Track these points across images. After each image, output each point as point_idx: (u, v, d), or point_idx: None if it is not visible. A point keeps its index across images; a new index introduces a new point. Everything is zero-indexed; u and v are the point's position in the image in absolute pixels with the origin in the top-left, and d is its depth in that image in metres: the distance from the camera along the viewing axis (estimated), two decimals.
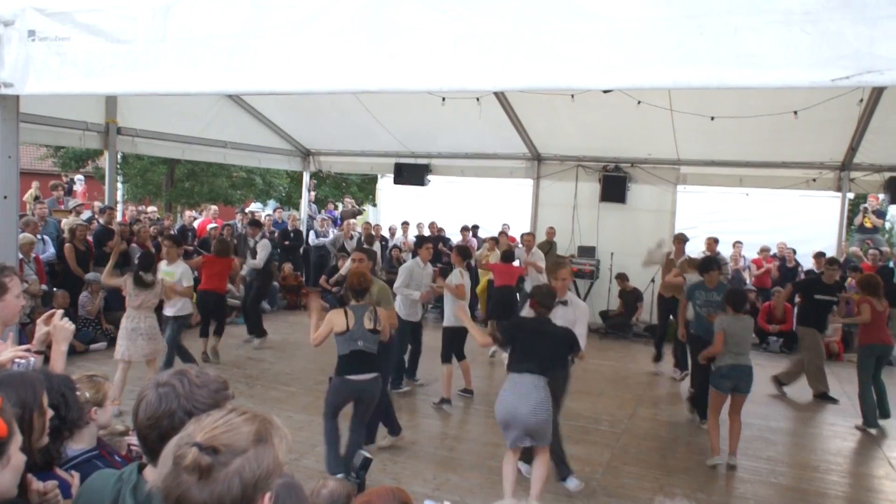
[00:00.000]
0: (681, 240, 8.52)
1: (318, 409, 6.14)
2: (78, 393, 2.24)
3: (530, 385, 4.15)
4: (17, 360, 2.32)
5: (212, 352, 8.10)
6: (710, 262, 6.57)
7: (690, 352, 7.05)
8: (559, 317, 4.72)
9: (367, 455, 2.28)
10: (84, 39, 3.31)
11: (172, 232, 10.72)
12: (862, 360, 6.81)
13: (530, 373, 4.18)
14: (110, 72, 3.27)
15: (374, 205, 16.59)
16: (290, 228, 12.82)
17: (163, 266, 6.88)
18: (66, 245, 8.57)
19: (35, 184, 12.78)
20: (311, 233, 13.23)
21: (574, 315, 4.84)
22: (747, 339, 5.49)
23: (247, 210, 15.51)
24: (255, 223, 9.95)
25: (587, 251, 11.21)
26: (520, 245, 10.00)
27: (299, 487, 1.59)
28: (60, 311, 2.66)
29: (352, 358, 4.52)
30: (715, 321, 5.63)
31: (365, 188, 20.60)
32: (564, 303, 4.92)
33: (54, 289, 8.18)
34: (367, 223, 11.93)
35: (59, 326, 2.60)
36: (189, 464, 1.22)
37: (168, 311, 6.89)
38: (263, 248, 9.06)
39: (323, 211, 15.38)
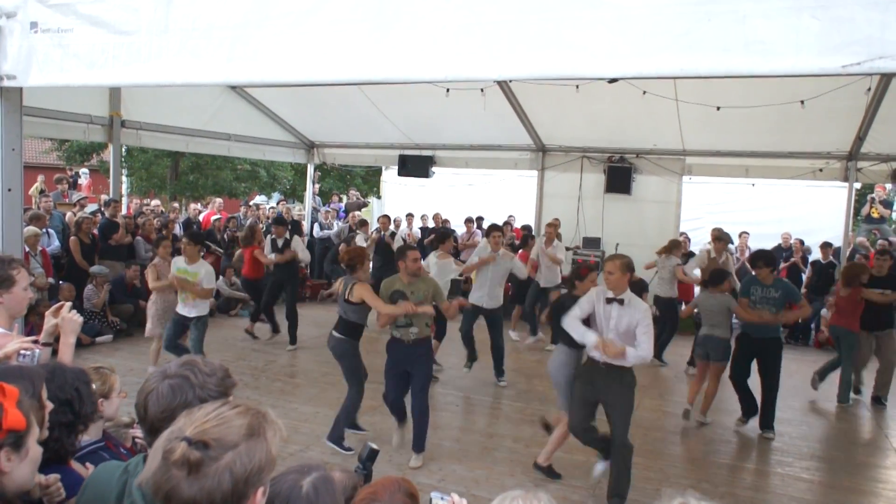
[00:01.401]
0: (720, 237, 8.65)
1: (324, 400, 6.18)
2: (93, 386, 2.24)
3: (556, 351, 5.14)
4: (22, 351, 2.32)
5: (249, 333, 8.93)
6: (762, 257, 6.27)
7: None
8: (614, 317, 4.45)
9: (374, 446, 2.28)
10: (86, 31, 3.30)
11: (176, 225, 10.75)
12: (848, 340, 7.06)
13: (556, 343, 5.25)
14: (113, 63, 3.26)
15: (379, 197, 16.57)
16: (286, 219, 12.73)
17: (180, 263, 6.49)
18: (72, 238, 8.58)
19: (40, 177, 12.79)
20: (316, 225, 13.23)
21: (633, 317, 4.45)
22: (719, 314, 6.19)
23: (251, 203, 15.51)
24: (279, 221, 9.03)
25: (592, 242, 11.17)
26: (542, 234, 9.85)
27: (332, 480, 1.59)
28: (69, 304, 2.66)
29: (338, 319, 5.34)
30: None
31: (369, 180, 20.59)
32: (620, 301, 4.47)
33: (60, 282, 8.21)
34: (386, 216, 11.88)
35: (67, 319, 2.60)
36: (178, 458, 1.20)
37: (189, 313, 6.45)
38: (301, 245, 8.77)
39: (329, 203, 15.37)
